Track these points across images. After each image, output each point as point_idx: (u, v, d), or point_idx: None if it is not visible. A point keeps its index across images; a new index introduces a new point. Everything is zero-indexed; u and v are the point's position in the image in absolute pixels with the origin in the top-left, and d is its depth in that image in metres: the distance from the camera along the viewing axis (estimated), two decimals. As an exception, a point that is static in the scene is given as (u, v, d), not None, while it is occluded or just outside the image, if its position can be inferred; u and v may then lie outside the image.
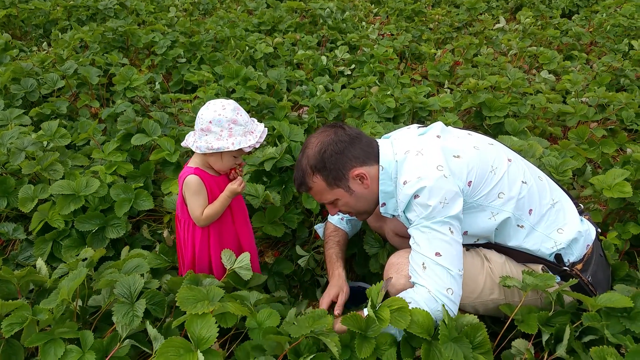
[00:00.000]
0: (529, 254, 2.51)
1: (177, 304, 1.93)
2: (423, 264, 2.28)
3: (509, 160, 2.50)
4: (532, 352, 2.19)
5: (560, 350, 2.12)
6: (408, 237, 2.43)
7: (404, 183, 2.35)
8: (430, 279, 2.25)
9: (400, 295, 2.30)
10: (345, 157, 2.46)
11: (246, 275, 2.42)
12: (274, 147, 3.51)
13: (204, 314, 1.88)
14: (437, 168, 2.31)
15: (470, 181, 2.36)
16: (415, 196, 2.31)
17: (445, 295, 2.23)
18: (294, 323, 2.12)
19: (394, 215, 2.59)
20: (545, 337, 2.23)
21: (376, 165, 2.50)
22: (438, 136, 2.51)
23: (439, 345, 1.97)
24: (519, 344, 2.23)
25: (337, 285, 2.81)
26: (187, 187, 2.56)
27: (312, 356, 2.02)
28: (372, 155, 2.51)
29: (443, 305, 2.16)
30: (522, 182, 2.45)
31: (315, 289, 3.27)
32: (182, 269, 2.83)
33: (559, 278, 2.47)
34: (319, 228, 3.27)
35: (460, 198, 2.31)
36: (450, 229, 2.29)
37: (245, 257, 2.43)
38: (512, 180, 2.43)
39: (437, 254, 2.27)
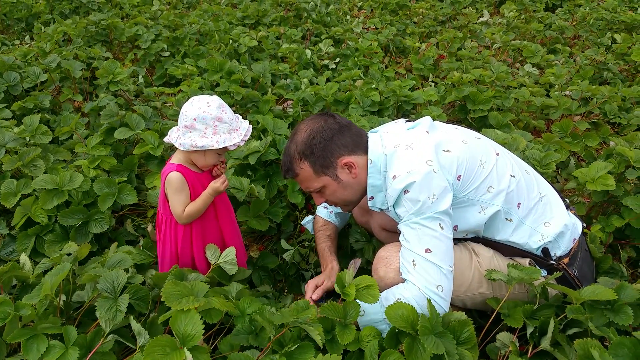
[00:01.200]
0: (516, 248, 2.51)
1: (162, 300, 1.92)
2: (413, 261, 2.28)
3: (497, 154, 2.51)
4: (517, 345, 2.20)
5: (545, 343, 2.13)
6: (395, 231, 2.43)
7: (394, 178, 2.34)
8: (420, 276, 2.24)
9: (390, 290, 2.31)
10: (333, 144, 2.45)
11: (231, 270, 2.40)
12: (259, 141, 3.50)
13: (189, 310, 1.87)
14: (427, 163, 2.30)
15: (460, 175, 2.35)
16: (405, 191, 2.30)
17: (435, 292, 2.22)
18: (277, 313, 2.12)
19: (381, 209, 2.58)
20: (529, 330, 2.23)
21: (365, 155, 2.49)
22: (427, 131, 2.50)
23: (421, 338, 1.97)
24: (503, 337, 2.23)
25: (326, 275, 2.82)
26: (169, 184, 2.53)
27: (296, 345, 2.02)
28: (362, 145, 2.50)
29: (429, 301, 2.14)
30: (511, 175, 2.45)
31: (301, 283, 3.27)
32: (164, 266, 2.78)
33: (545, 272, 2.48)
34: (307, 223, 3.26)
35: (449, 193, 2.31)
36: (440, 224, 2.29)
37: (230, 252, 2.42)
38: (500, 174, 2.43)
39: (427, 250, 2.26)
